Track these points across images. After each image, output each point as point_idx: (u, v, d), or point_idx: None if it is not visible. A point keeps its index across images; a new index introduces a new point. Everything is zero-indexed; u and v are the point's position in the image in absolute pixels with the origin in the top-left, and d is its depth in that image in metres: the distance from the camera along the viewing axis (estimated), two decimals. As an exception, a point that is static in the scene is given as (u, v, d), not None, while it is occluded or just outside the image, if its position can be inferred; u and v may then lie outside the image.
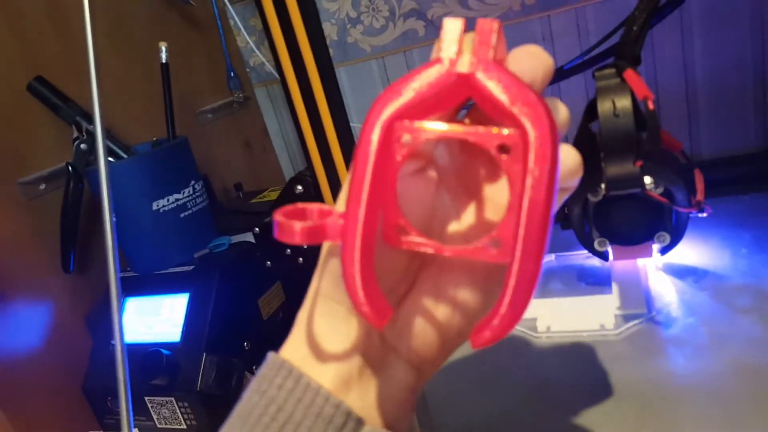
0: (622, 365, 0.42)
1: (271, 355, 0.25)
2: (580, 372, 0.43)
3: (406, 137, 0.20)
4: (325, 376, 0.24)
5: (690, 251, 0.55)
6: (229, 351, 0.58)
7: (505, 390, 0.44)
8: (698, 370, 0.40)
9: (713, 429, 0.35)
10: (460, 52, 0.19)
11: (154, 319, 0.62)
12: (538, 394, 0.43)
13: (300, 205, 0.22)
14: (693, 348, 0.42)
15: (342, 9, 0.95)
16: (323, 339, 0.25)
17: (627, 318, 0.47)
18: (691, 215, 0.47)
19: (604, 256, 0.52)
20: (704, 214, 0.46)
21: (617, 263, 0.55)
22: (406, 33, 0.93)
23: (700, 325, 0.44)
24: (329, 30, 0.97)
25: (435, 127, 0.20)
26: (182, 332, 0.58)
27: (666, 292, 0.50)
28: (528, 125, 0.18)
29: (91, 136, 0.61)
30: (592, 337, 0.46)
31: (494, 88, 0.19)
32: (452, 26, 0.20)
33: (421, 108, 0.20)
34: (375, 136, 0.20)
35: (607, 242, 0.49)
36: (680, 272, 0.52)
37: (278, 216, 0.21)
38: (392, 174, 0.21)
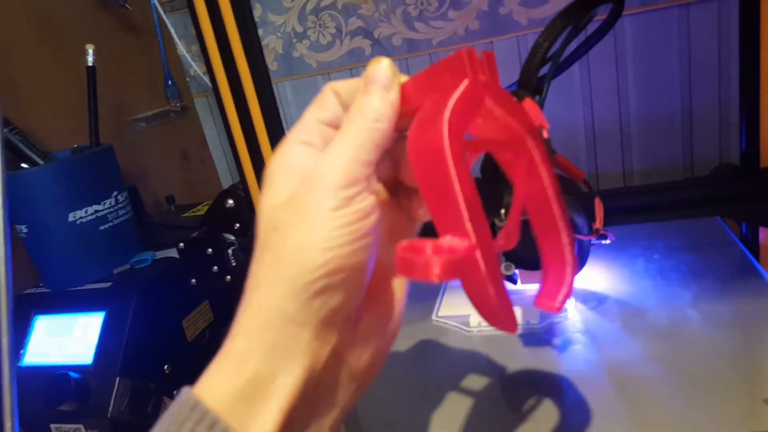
0: (547, 356, 0.47)
1: (184, 392, 0.21)
2: (509, 362, 0.47)
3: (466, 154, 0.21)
4: (269, 419, 0.20)
5: (607, 273, 0.58)
6: (146, 375, 0.55)
7: (439, 382, 0.46)
8: (610, 359, 0.44)
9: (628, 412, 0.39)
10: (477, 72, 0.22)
11: (66, 339, 0.57)
12: (472, 385, 0.45)
13: (407, 242, 0.20)
14: (605, 340, 0.47)
15: (288, 23, 0.94)
16: (274, 369, 0.21)
17: (549, 314, 0.51)
18: (593, 242, 0.48)
19: (512, 280, 0.52)
20: (607, 241, 0.47)
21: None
22: (353, 51, 0.93)
23: (613, 321, 0.49)
24: (275, 43, 0.95)
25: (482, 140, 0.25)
26: (95, 354, 0.54)
27: (586, 297, 0.54)
28: (528, 136, 0.25)
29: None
30: (520, 331, 0.51)
31: (497, 110, 0.23)
32: (471, 52, 0.22)
33: (461, 123, 0.22)
34: (451, 154, 0.20)
35: (513, 266, 0.49)
36: (597, 285, 0.56)
37: (402, 251, 0.19)
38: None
